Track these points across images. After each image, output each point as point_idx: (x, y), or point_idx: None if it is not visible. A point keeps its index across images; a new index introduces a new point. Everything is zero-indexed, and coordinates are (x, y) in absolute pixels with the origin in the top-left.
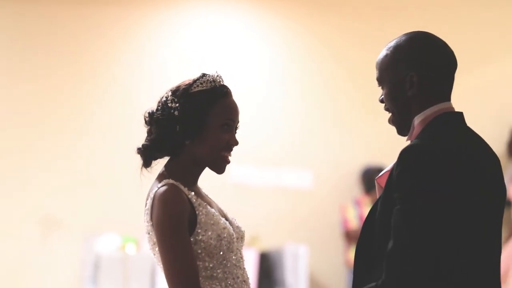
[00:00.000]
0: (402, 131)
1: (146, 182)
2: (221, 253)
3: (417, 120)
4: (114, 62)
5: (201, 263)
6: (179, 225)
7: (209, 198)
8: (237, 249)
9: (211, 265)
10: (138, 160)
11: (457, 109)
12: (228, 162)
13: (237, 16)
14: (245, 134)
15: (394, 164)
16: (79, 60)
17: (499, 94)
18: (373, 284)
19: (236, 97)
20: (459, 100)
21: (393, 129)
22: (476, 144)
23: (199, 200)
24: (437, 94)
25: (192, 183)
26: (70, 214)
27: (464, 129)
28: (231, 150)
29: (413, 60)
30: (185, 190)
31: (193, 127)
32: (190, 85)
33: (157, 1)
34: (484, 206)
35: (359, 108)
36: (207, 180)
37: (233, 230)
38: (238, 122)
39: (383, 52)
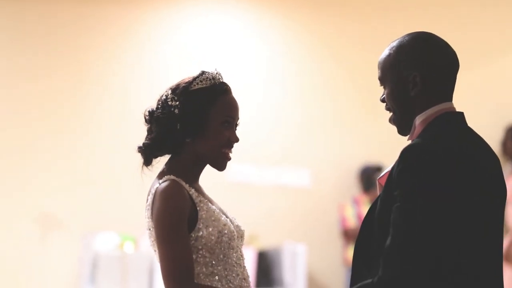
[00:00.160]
0: (402, 131)
1: (144, 181)
2: (222, 249)
3: (418, 120)
4: (114, 61)
5: (201, 259)
6: (178, 221)
7: (209, 197)
8: (238, 246)
9: (211, 262)
10: (137, 159)
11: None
12: (229, 159)
13: (237, 15)
14: (244, 133)
15: (395, 163)
16: (79, 59)
17: (495, 94)
18: (369, 280)
19: (236, 96)
20: (455, 99)
21: (391, 128)
22: (476, 144)
23: (200, 196)
24: (439, 94)
25: (193, 180)
26: (68, 213)
27: (465, 129)
28: (232, 147)
29: (416, 60)
30: (186, 186)
31: (193, 125)
32: (189, 83)
33: (157, 0)
34: (485, 206)
35: (357, 107)
36: (205, 178)
37: (234, 228)
38: (238, 119)
39: (385, 52)
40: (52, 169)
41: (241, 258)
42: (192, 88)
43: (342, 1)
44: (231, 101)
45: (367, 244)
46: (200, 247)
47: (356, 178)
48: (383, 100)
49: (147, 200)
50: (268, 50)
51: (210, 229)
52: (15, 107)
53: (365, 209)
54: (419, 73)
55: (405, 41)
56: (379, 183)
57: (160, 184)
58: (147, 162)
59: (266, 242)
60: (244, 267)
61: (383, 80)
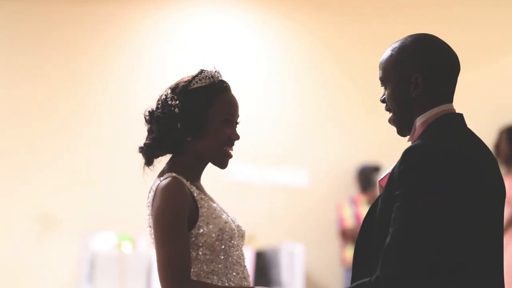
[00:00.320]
0: (402, 131)
1: (143, 181)
2: (223, 247)
3: (419, 121)
4: (114, 61)
5: (202, 256)
6: (178, 218)
7: (211, 196)
8: (238, 245)
9: (212, 259)
10: (136, 159)
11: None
12: (231, 156)
13: (237, 15)
14: (242, 133)
15: (396, 164)
16: (79, 59)
17: (495, 94)
18: (367, 279)
19: (235, 95)
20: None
21: (390, 129)
22: (475, 145)
23: (202, 194)
24: (440, 96)
25: (194, 179)
26: (66, 213)
27: (465, 130)
28: (233, 144)
29: (417, 62)
30: (188, 184)
31: (194, 124)
32: (189, 82)
33: (157, 0)
34: (484, 207)
35: (356, 107)
36: (203, 178)
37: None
38: (238, 116)
39: (387, 52)
40: (52, 169)
41: (242, 257)
42: (191, 87)
43: (342, 1)
44: (231, 99)
45: (367, 244)
46: (200, 244)
47: (354, 178)
48: (383, 101)
49: (148, 197)
50: (267, 50)
51: (211, 226)
52: (15, 107)
53: (362, 209)
54: (420, 75)
55: (407, 42)
56: (380, 185)
57: (161, 181)
58: (148, 162)
59: (264, 242)
60: (245, 266)
61: (384, 80)
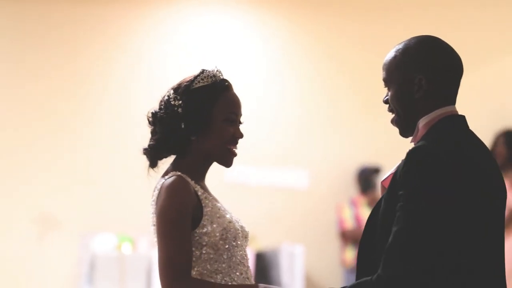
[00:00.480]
0: (404, 133)
1: (144, 182)
2: (227, 246)
3: (422, 122)
4: (114, 61)
5: (206, 256)
6: (181, 217)
7: (215, 196)
8: (242, 246)
9: (215, 259)
10: (136, 159)
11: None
12: (235, 155)
13: (236, 15)
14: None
15: (399, 165)
16: (79, 59)
17: (495, 94)
18: (368, 278)
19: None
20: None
21: (390, 130)
22: (477, 146)
23: (206, 193)
24: (443, 98)
25: (199, 178)
26: (66, 213)
27: (466, 131)
28: (237, 142)
29: (421, 63)
30: (192, 183)
31: (197, 123)
32: (191, 82)
33: (157, 0)
34: (485, 207)
35: (356, 108)
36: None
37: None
38: (241, 115)
39: (391, 54)
40: (52, 169)
41: (245, 257)
42: (193, 87)
43: (342, 2)
44: (233, 97)
45: (370, 244)
46: (204, 243)
47: (354, 179)
48: (386, 102)
49: (152, 196)
50: (267, 50)
51: (215, 226)
52: (15, 107)
53: (362, 211)
54: (424, 76)
55: (411, 43)
56: (382, 186)
57: (166, 180)
58: (153, 164)
59: (264, 243)
60: (248, 267)
61: (387, 81)
